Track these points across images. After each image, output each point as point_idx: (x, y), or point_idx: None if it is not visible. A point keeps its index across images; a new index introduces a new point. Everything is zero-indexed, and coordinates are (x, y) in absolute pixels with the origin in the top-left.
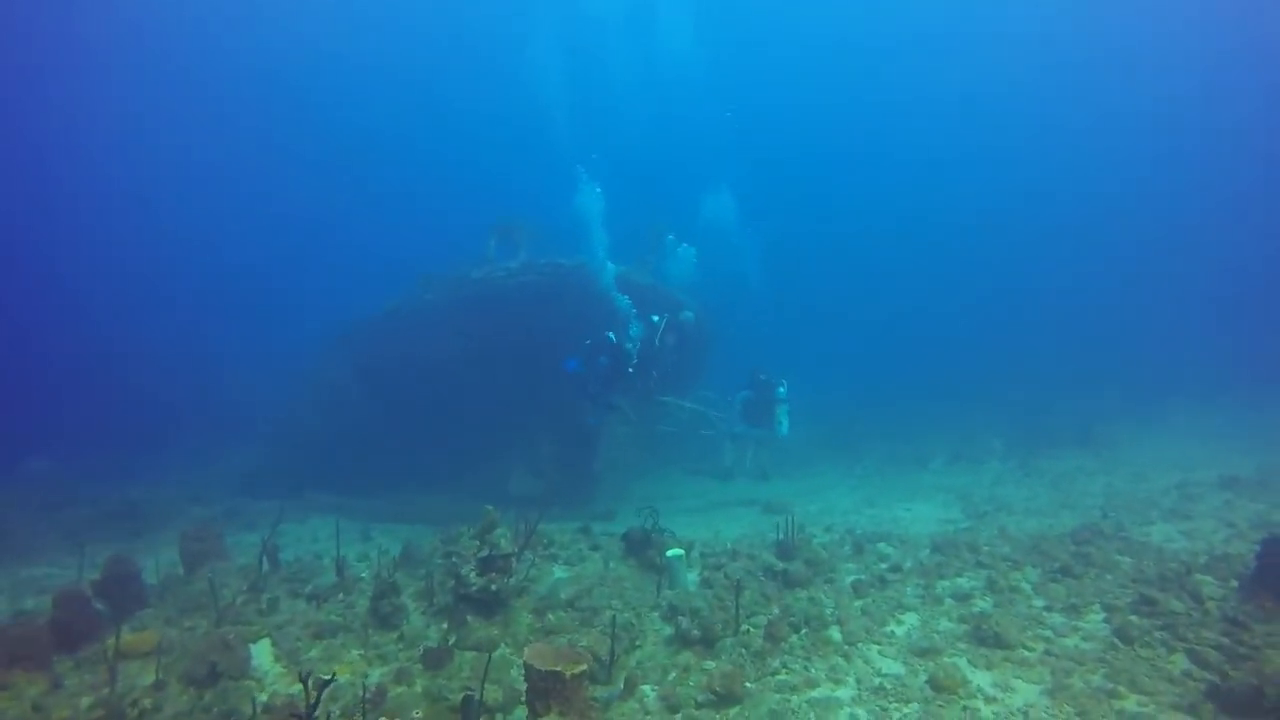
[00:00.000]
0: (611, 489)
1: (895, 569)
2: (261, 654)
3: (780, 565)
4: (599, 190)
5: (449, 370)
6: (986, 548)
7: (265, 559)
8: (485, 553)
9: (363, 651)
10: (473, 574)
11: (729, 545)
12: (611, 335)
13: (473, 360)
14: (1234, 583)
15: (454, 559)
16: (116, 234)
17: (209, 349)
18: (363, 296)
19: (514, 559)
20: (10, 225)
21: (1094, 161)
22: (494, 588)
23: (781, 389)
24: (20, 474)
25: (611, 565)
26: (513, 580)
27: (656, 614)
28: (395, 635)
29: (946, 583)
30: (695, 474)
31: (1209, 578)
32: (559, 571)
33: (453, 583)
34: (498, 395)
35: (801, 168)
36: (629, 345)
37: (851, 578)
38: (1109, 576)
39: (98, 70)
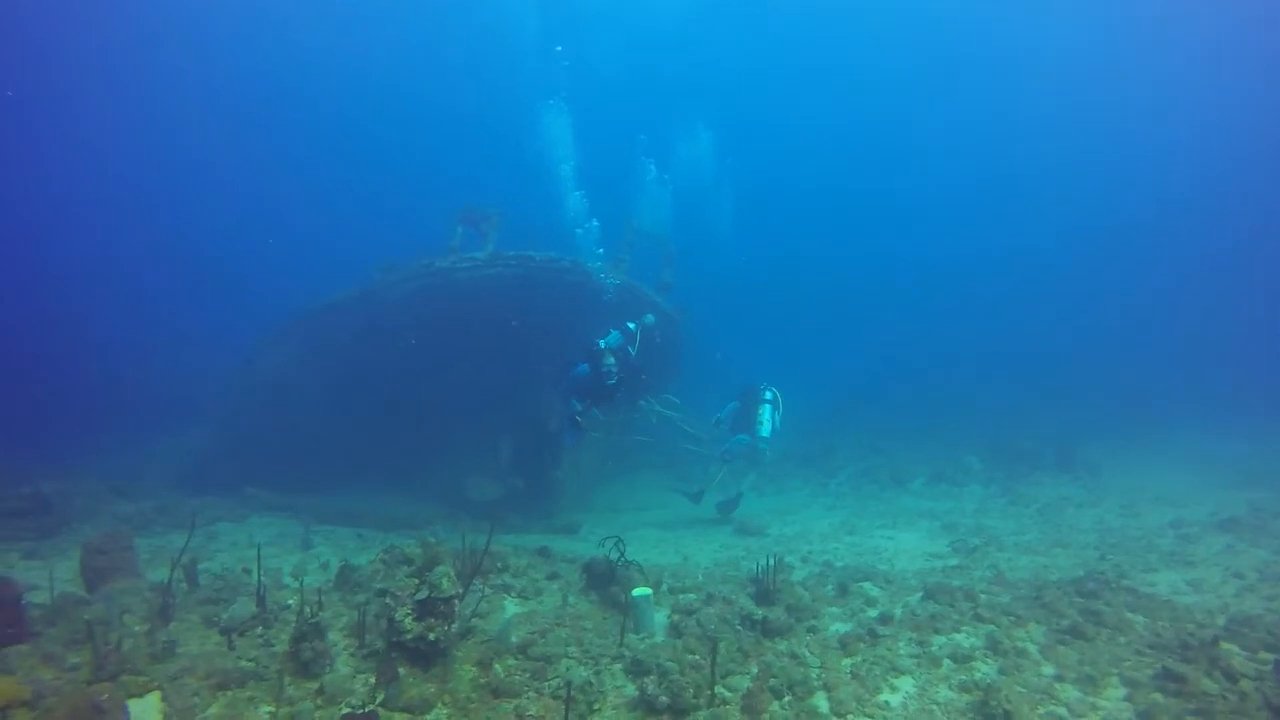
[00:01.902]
0: (575, 497)
1: (885, 619)
2: (147, 713)
3: (759, 613)
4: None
5: (406, 364)
6: (984, 595)
7: (182, 577)
8: (424, 594)
9: (273, 709)
10: (409, 619)
11: (699, 577)
12: (601, 342)
13: (432, 355)
14: (1265, 655)
15: (388, 599)
16: (64, 205)
17: (161, 330)
18: (327, 284)
19: (457, 601)
20: None
21: (1088, 167)
22: (432, 636)
23: (769, 392)
24: None
25: (571, 600)
26: (455, 626)
27: (619, 666)
28: (315, 687)
29: (943, 639)
30: (666, 485)
31: (1234, 646)
32: (511, 606)
33: (386, 625)
34: (457, 392)
35: (792, 162)
36: (608, 359)
37: (837, 626)
38: (1123, 639)
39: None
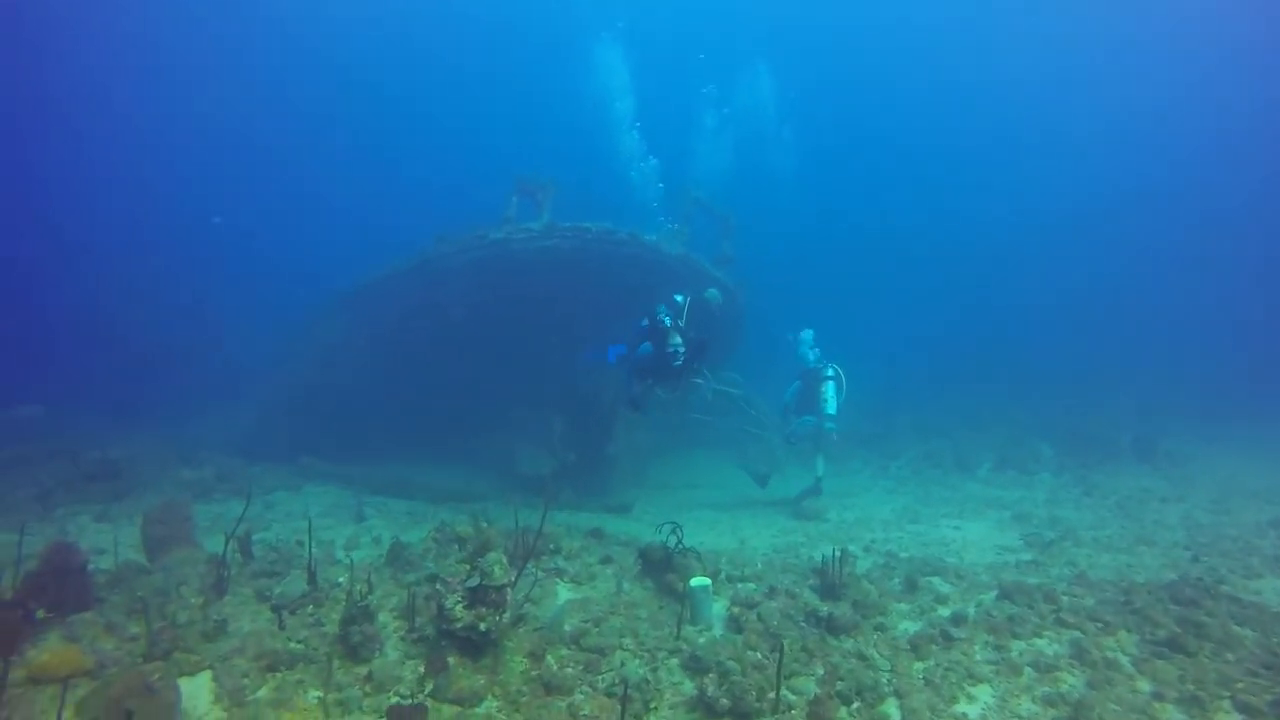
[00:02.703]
0: (628, 473)
1: (958, 620)
2: (199, 692)
3: (824, 609)
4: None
5: (459, 337)
6: (1066, 597)
7: (236, 549)
8: (475, 581)
9: (321, 694)
10: (459, 607)
11: (759, 564)
12: (666, 318)
13: (486, 326)
14: None
15: (439, 585)
16: (121, 184)
17: (217, 301)
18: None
19: (509, 589)
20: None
21: (1154, 154)
22: (483, 626)
23: (830, 369)
24: (6, 420)
25: (625, 587)
26: (507, 615)
27: (676, 661)
28: (363, 673)
29: (1023, 644)
30: (723, 463)
31: None
32: (564, 591)
33: (436, 610)
34: (510, 365)
35: (860, 117)
36: (675, 338)
37: (906, 625)
38: (1231, 656)
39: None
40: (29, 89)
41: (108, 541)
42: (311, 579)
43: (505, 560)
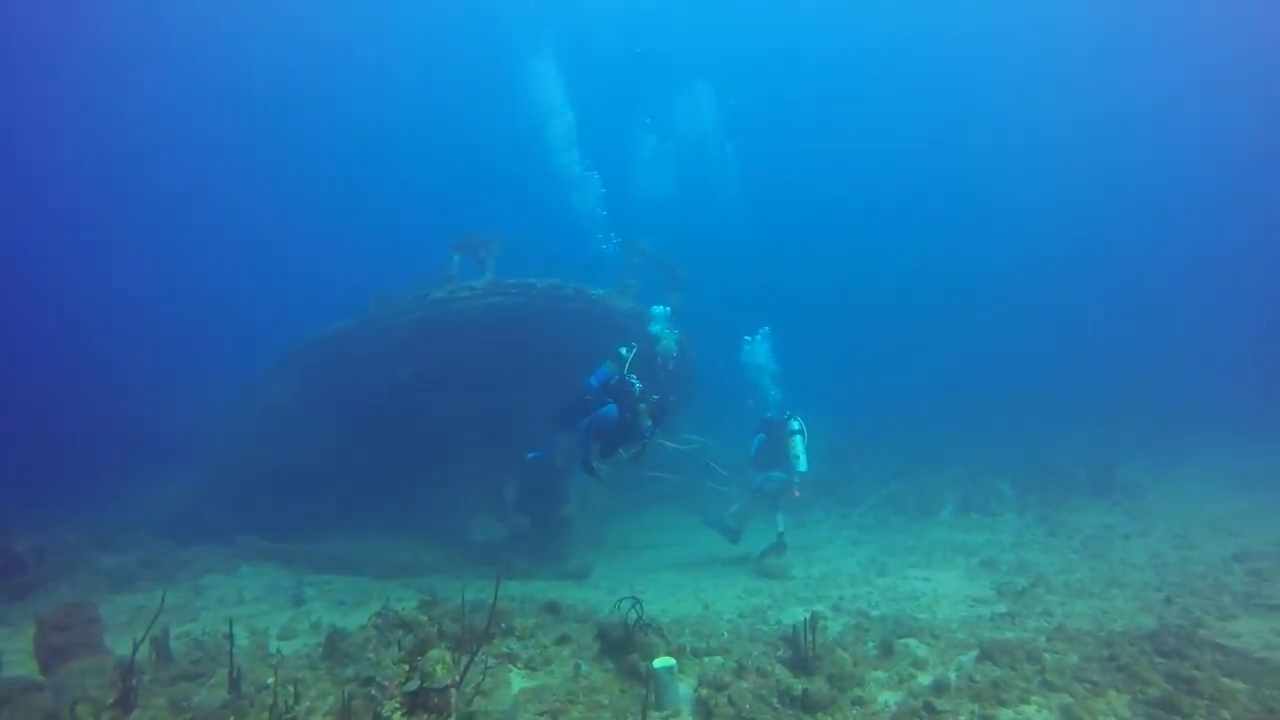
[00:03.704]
0: (585, 535)
1: (939, 687)
2: None
3: (798, 686)
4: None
5: (403, 400)
6: (1048, 654)
7: (152, 651)
8: (415, 685)
9: None
10: (397, 715)
11: (725, 634)
12: (635, 381)
13: (432, 388)
14: None
15: (374, 690)
16: (59, 237)
17: (156, 365)
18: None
19: (454, 689)
20: None
21: (1115, 170)
22: None
23: (795, 422)
24: None
25: (584, 670)
26: (453, 719)
27: None
28: None
29: (1010, 713)
30: (681, 519)
31: None
32: (518, 679)
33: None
34: (458, 427)
35: (802, 160)
36: (641, 402)
37: (885, 696)
38: (1227, 714)
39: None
40: None
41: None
42: (234, 685)
43: (449, 657)
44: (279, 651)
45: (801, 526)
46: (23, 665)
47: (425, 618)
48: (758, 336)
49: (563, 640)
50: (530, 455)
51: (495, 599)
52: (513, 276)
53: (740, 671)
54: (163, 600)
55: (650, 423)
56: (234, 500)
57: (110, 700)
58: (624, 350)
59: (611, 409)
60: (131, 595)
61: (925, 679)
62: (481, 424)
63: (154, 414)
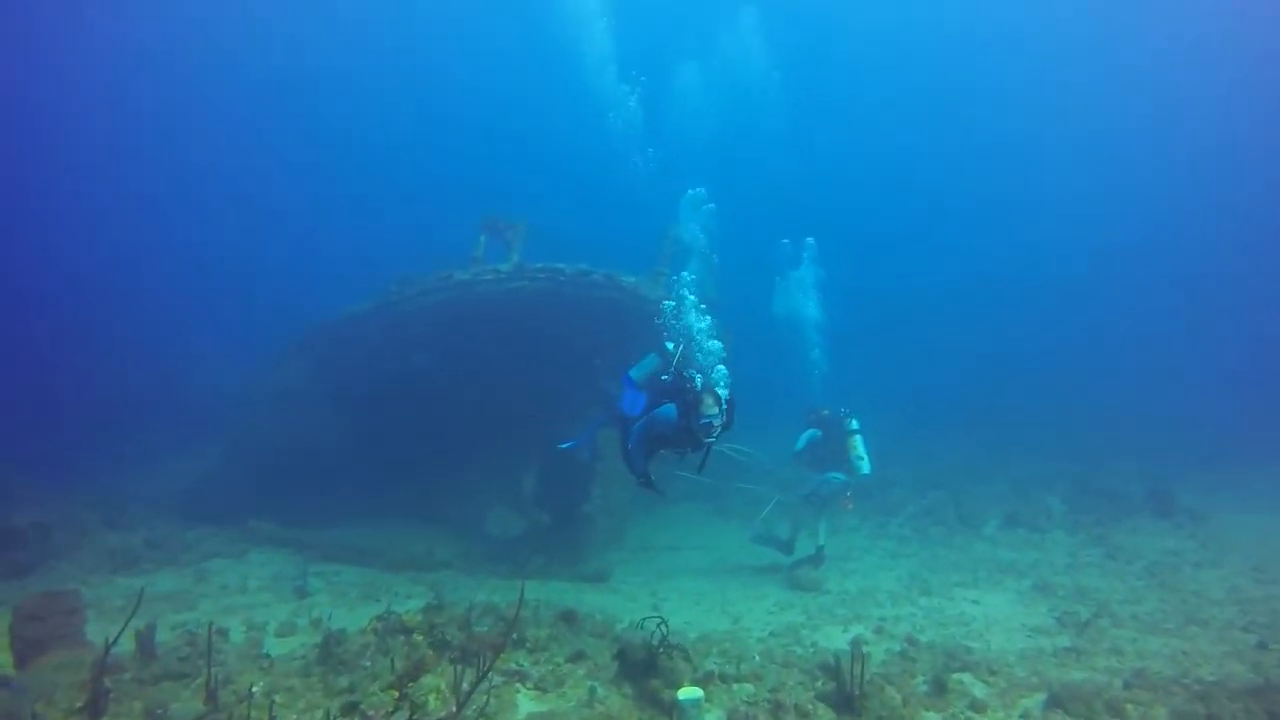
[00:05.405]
0: (606, 534)
1: None
2: None
3: None
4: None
5: (423, 385)
6: (1130, 706)
7: (136, 645)
8: (404, 717)
9: None
10: None
11: (756, 657)
12: (697, 377)
13: (452, 375)
14: None
15: (356, 719)
16: (76, 217)
17: (179, 342)
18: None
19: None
20: None
21: (1161, 177)
22: None
23: (854, 421)
24: None
25: (600, 693)
26: None
27: None
28: None
29: None
30: (706, 518)
31: None
32: (526, 702)
33: None
34: (478, 417)
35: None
36: (710, 404)
37: None
38: None
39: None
40: None
41: None
42: (211, 695)
43: (446, 683)
44: (270, 653)
45: (835, 534)
46: None
47: (429, 625)
48: (801, 263)
49: (578, 657)
50: (562, 445)
51: (517, 613)
52: (540, 261)
53: (776, 711)
54: (139, 598)
55: (718, 425)
56: (248, 482)
57: (79, 703)
58: (670, 344)
59: (670, 409)
60: (133, 578)
61: None
62: (502, 413)
63: (178, 387)
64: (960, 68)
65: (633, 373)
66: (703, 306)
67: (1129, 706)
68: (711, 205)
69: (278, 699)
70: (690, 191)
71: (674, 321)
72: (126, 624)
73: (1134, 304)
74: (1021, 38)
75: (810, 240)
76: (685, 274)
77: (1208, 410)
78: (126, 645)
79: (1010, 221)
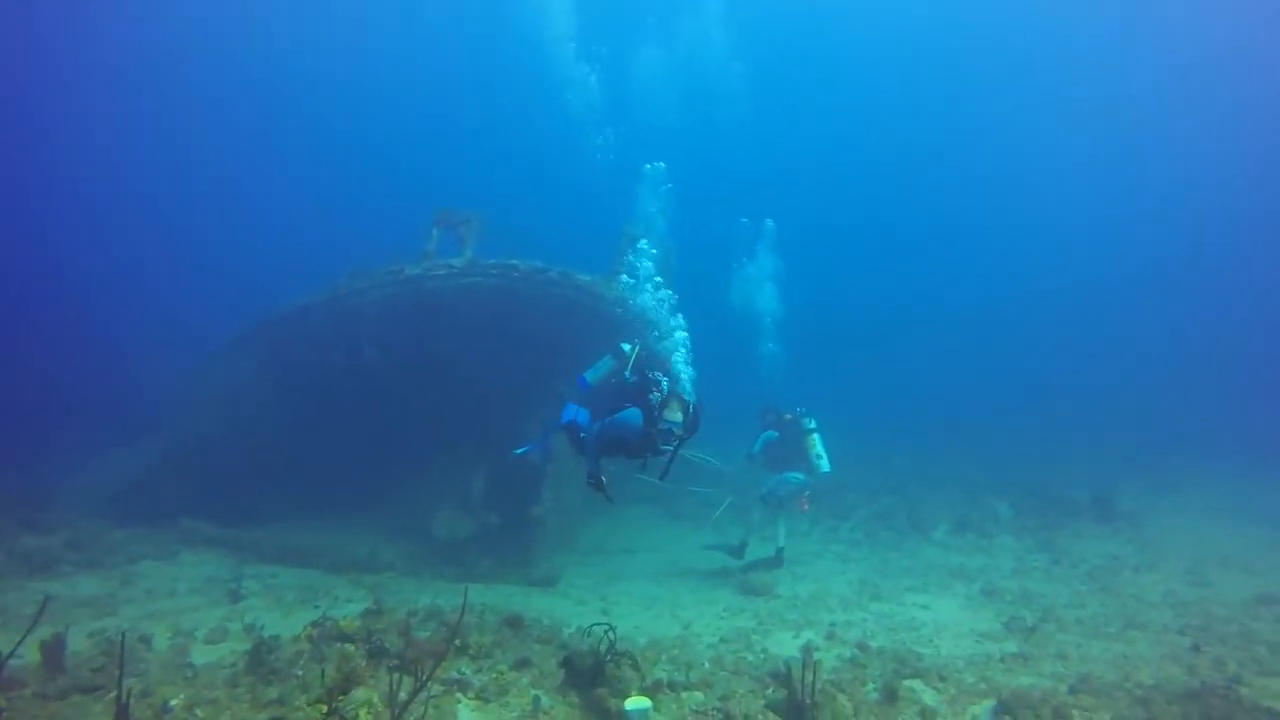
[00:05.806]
0: (556, 536)
1: None
2: None
3: None
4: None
5: (371, 381)
6: (1075, 712)
7: (40, 659)
8: None
9: None
10: None
11: (705, 664)
12: (663, 379)
13: (401, 371)
14: None
15: None
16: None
17: (121, 330)
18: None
19: None
20: None
21: (1112, 185)
22: None
23: (811, 420)
24: None
25: (545, 703)
26: None
27: None
28: None
29: None
30: (657, 519)
31: None
32: (466, 713)
33: None
34: (426, 415)
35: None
36: (676, 411)
37: None
38: None
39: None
40: None
41: None
42: (121, 713)
43: (379, 696)
44: (196, 662)
45: (786, 537)
46: None
47: (367, 631)
48: (757, 248)
49: (522, 665)
50: (517, 451)
51: (460, 618)
52: (494, 257)
53: (725, 719)
54: (43, 605)
55: (681, 432)
56: (186, 481)
57: None
58: (625, 346)
59: (634, 414)
60: (47, 583)
61: None
62: (452, 412)
63: (121, 382)
64: (938, 63)
65: (588, 375)
66: (659, 279)
67: (1075, 713)
68: (669, 185)
69: (199, 712)
70: (648, 166)
71: (634, 299)
72: (28, 632)
73: (1096, 309)
74: (995, 29)
75: (769, 222)
76: (643, 243)
77: (1157, 414)
78: (31, 656)
79: (975, 227)
